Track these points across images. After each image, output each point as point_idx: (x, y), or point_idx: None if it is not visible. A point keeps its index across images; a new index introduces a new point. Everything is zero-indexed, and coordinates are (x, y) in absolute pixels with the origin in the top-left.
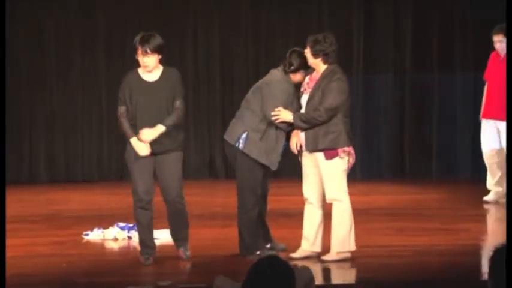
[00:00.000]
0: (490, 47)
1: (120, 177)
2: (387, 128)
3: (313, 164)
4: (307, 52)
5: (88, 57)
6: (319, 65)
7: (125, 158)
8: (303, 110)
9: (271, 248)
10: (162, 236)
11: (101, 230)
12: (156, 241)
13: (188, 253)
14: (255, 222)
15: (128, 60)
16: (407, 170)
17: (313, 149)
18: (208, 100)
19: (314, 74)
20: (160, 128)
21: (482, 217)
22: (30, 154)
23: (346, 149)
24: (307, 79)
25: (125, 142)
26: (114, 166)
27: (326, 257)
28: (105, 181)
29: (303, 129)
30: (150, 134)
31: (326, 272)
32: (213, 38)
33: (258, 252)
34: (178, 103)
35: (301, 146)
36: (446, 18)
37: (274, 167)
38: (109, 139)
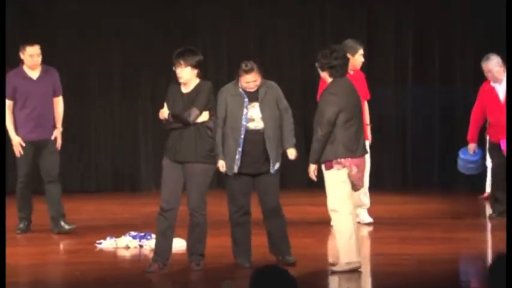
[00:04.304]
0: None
1: (133, 188)
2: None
3: None
4: (317, 65)
5: (102, 69)
6: (327, 79)
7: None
8: None
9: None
10: (173, 245)
11: (113, 239)
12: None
13: (199, 267)
14: (238, 231)
15: (141, 72)
16: (410, 181)
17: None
18: None
19: None
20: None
21: (482, 226)
22: None
23: (341, 160)
24: None
25: (138, 153)
26: (128, 177)
27: (335, 268)
28: (118, 191)
29: (318, 152)
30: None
31: (327, 281)
32: (222, 55)
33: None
34: (192, 109)
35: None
36: (447, 32)
37: (229, 171)
38: (122, 150)
